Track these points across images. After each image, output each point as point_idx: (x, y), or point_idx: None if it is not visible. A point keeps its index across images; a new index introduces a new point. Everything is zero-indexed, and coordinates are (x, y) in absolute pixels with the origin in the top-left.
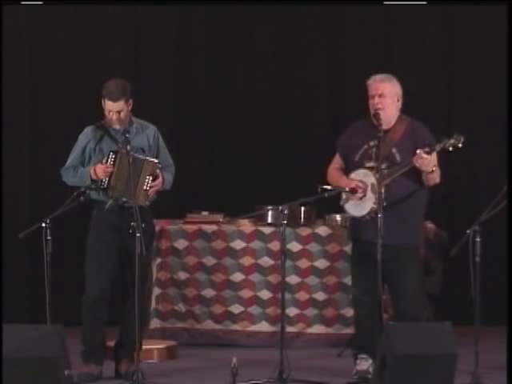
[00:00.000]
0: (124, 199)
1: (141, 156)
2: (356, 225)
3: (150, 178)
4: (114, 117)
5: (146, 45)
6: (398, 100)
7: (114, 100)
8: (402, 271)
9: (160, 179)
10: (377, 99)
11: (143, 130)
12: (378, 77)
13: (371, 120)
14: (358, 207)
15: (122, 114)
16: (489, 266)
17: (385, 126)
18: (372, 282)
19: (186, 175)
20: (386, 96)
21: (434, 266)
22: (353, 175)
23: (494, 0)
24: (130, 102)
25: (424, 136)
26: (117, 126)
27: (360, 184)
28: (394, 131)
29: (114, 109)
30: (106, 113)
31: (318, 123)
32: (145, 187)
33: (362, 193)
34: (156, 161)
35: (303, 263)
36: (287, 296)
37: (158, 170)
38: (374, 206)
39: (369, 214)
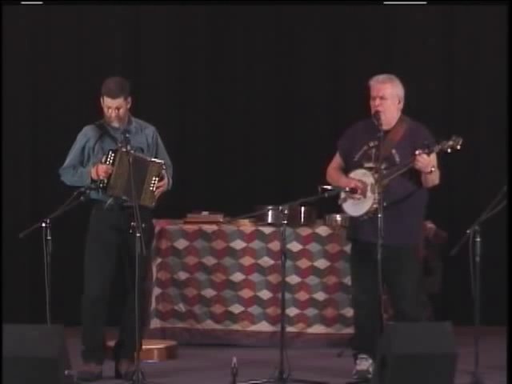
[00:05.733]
0: (124, 198)
1: (147, 157)
2: (354, 225)
3: (157, 179)
4: (113, 114)
5: (145, 45)
6: (399, 102)
7: (113, 97)
8: (402, 271)
9: (165, 180)
10: (377, 101)
11: (142, 130)
12: (380, 78)
13: (372, 120)
14: (356, 207)
15: (121, 110)
16: (489, 266)
17: (385, 127)
18: (372, 282)
19: (186, 175)
20: (387, 98)
21: (434, 266)
22: (352, 175)
23: (494, 0)
24: (129, 99)
25: (424, 137)
26: (115, 124)
27: (359, 184)
28: (394, 132)
29: (113, 105)
30: (105, 110)
31: (318, 123)
32: (151, 188)
33: (360, 194)
34: (162, 162)
35: (303, 263)
36: (287, 296)
37: (163, 171)
38: (373, 205)
39: (367, 213)
